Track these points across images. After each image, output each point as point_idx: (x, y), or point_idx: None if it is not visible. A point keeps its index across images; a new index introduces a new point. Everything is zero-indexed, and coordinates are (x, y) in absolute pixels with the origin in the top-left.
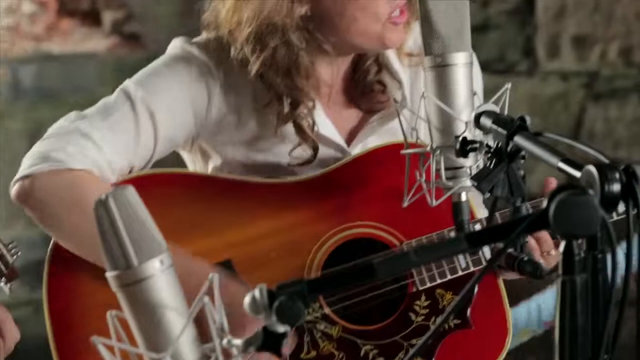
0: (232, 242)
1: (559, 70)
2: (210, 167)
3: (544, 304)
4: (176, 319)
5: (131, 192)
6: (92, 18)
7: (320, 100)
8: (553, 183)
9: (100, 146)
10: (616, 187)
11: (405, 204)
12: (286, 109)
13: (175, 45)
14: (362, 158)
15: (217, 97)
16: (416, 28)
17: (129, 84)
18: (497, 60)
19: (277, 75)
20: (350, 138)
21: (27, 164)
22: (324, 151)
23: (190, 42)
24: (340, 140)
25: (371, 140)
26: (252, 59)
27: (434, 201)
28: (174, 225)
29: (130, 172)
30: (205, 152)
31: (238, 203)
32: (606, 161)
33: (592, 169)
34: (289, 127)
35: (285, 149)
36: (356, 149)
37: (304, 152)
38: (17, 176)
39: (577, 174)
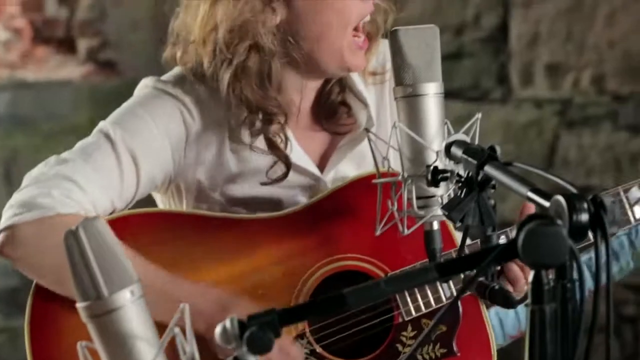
0: (219, 279)
1: (532, 98)
2: (184, 206)
3: (505, 317)
4: (147, 350)
5: (101, 222)
6: (67, 45)
7: (288, 123)
8: (531, 209)
9: (85, 188)
10: (584, 217)
11: (378, 233)
12: (258, 124)
13: (146, 84)
14: (342, 190)
15: (194, 134)
16: (379, 46)
17: (105, 124)
18: (471, 87)
19: (250, 86)
20: (322, 163)
21: (10, 214)
22: (298, 179)
23: (161, 80)
24: (313, 168)
25: (342, 164)
26: (223, 68)
27: (405, 230)
28: (160, 264)
29: (112, 213)
30: (181, 191)
31: (223, 240)
32: (575, 191)
33: (560, 199)
34: (265, 160)
35: (260, 181)
36: (329, 176)
37: (279, 169)
38: (1, 227)
39: (546, 203)
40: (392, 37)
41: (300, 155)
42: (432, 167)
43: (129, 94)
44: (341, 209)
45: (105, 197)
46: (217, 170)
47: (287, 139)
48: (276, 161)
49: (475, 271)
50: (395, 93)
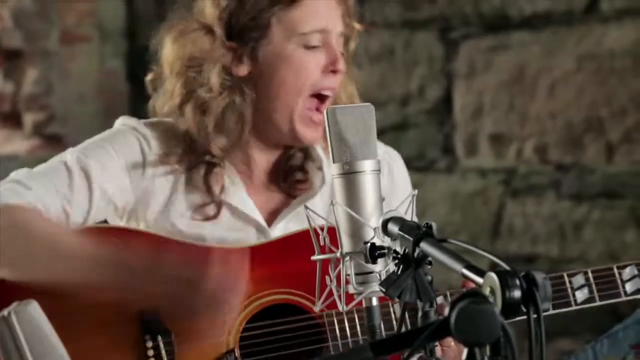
0: None
1: (477, 168)
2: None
3: None
4: None
5: (34, 307)
6: (13, 120)
7: (243, 177)
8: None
9: (30, 186)
10: (517, 294)
11: (318, 309)
12: (198, 161)
13: (117, 122)
14: (287, 238)
15: (151, 164)
16: None
17: (63, 152)
18: (417, 157)
19: (193, 120)
20: (271, 218)
21: None
22: (244, 228)
23: (130, 117)
24: (261, 219)
25: (291, 222)
26: (176, 91)
27: (344, 307)
28: None
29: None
30: (140, 222)
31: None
32: (508, 268)
33: (493, 276)
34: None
35: (210, 229)
36: (276, 230)
37: (210, 210)
38: None
39: (479, 280)
40: (329, 115)
41: (250, 206)
42: (369, 244)
43: None
44: (283, 252)
45: (55, 200)
46: (171, 205)
47: (223, 186)
48: (210, 202)
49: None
50: (332, 171)
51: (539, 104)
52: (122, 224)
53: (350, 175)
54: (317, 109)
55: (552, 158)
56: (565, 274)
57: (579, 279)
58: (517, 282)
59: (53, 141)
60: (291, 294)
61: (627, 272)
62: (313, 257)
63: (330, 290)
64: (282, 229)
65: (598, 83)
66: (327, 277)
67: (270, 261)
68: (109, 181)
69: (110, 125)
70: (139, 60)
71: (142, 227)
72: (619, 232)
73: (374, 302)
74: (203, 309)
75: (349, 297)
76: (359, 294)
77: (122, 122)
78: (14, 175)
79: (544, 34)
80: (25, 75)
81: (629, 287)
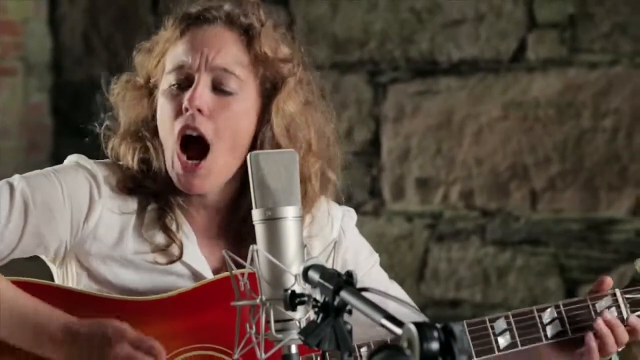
0: None
1: (403, 211)
2: (82, 285)
3: None
4: None
5: None
6: None
7: (193, 225)
8: (608, 281)
9: None
10: (435, 346)
11: (236, 356)
12: (151, 205)
13: (70, 159)
14: (212, 284)
15: (98, 209)
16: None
17: (15, 176)
18: (344, 200)
19: (145, 174)
20: (218, 269)
21: None
22: (190, 280)
23: (85, 157)
24: (208, 273)
25: None
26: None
27: (262, 354)
28: None
29: None
30: (75, 267)
31: (94, 317)
32: (426, 319)
33: (412, 327)
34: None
35: (152, 277)
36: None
37: (169, 254)
38: None
39: (398, 331)
40: (252, 160)
41: (202, 264)
42: (289, 291)
43: None
44: (209, 302)
45: None
46: (114, 251)
47: (178, 225)
48: (169, 244)
49: None
50: (254, 216)
51: (466, 150)
52: (55, 268)
53: (272, 222)
54: (188, 156)
55: (478, 204)
56: (487, 319)
57: (500, 324)
58: (435, 334)
59: None
60: (214, 350)
61: (547, 315)
62: (233, 303)
63: (249, 337)
64: None
65: (523, 131)
66: (246, 324)
67: (197, 311)
68: (45, 223)
69: (34, 160)
70: (64, 94)
71: (74, 269)
72: (542, 278)
73: (293, 349)
74: None
75: (269, 345)
76: (278, 341)
77: (76, 159)
78: None
79: (472, 80)
80: None
81: (549, 330)
